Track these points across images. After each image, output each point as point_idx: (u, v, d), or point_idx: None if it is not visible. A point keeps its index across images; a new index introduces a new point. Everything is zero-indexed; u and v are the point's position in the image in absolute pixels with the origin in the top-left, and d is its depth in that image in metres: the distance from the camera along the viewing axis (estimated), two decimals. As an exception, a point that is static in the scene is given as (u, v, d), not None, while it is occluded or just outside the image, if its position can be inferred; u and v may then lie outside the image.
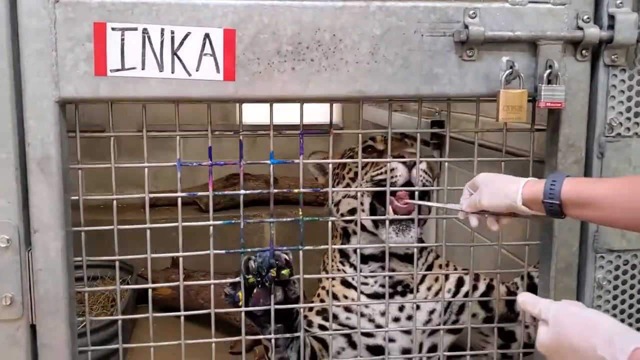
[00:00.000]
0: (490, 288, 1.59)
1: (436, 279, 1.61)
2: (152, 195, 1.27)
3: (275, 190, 1.29)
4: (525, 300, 1.04)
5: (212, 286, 1.31)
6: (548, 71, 1.23)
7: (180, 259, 1.31)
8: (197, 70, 1.15)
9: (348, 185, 1.62)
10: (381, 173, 1.50)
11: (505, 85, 1.24)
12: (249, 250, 1.32)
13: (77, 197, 1.20)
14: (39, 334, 1.18)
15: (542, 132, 1.36)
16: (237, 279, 1.30)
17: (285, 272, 1.29)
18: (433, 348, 1.56)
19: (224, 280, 1.31)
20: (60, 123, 1.14)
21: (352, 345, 1.53)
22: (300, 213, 1.33)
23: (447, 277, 1.58)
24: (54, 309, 1.18)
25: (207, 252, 1.29)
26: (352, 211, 1.60)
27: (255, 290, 1.30)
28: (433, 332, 1.56)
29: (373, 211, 1.55)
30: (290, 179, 5.55)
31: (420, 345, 1.55)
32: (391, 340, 1.49)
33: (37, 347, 1.19)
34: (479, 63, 1.25)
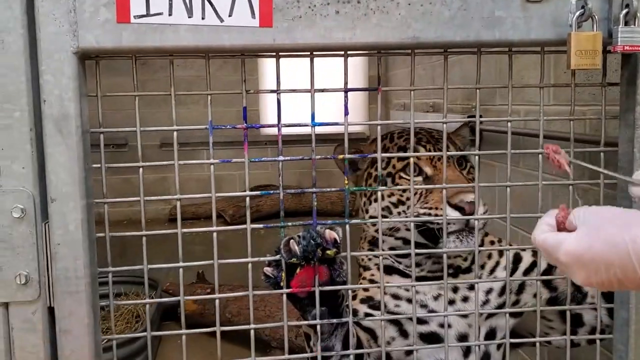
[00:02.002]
0: (553, 266, 1.42)
1: (489, 256, 1.45)
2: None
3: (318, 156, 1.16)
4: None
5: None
6: (625, 11, 1.09)
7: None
8: (229, 16, 1.02)
9: (387, 207, 1.46)
10: (429, 214, 1.35)
11: (577, 29, 1.10)
12: (290, 224, 1.18)
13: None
14: (57, 319, 1.05)
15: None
16: (277, 257, 1.16)
17: (330, 252, 1.15)
18: (491, 333, 1.40)
19: (262, 258, 1.17)
20: (79, 78, 1.02)
21: (404, 334, 1.37)
22: (346, 182, 1.19)
23: (501, 253, 1.42)
24: (74, 290, 1.04)
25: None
26: (393, 229, 1.46)
27: (298, 270, 1.16)
28: (490, 315, 1.40)
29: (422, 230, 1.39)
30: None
31: (478, 331, 1.39)
32: (447, 326, 1.33)
33: (55, 334, 1.06)
34: (546, 5, 1.10)
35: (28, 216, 1.02)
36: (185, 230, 1.14)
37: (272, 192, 1.18)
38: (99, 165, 1.09)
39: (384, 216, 1.44)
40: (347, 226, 1.19)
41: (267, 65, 4.81)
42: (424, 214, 1.35)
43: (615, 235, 0.78)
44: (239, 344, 2.58)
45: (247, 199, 1.15)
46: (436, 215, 1.33)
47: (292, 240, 1.13)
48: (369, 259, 1.50)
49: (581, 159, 1.82)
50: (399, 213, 1.42)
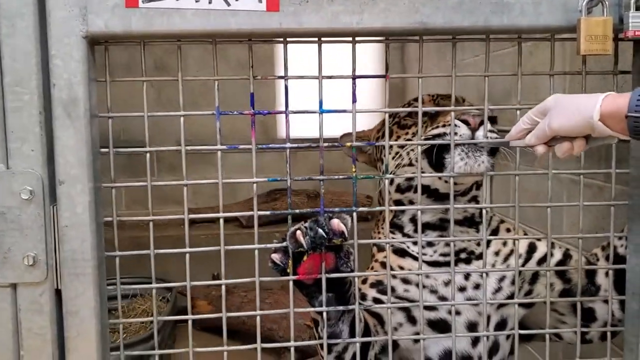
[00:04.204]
0: (567, 257, 1.40)
1: (504, 243, 1.43)
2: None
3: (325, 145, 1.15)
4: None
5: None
6: (636, -4, 1.08)
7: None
8: (236, 0, 1.03)
9: (398, 153, 1.45)
10: (437, 127, 1.33)
11: (587, 14, 1.09)
12: (297, 212, 1.18)
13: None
14: (64, 300, 1.06)
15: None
16: (284, 244, 1.15)
17: (336, 241, 1.14)
18: (502, 323, 1.38)
19: (269, 245, 1.17)
20: (88, 62, 1.03)
21: (412, 320, 1.35)
22: (354, 170, 1.18)
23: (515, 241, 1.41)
24: (81, 272, 1.05)
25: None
26: (410, 179, 1.43)
27: (305, 258, 1.15)
28: (502, 304, 1.38)
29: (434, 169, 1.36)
30: (333, 194, 5.41)
31: (488, 320, 1.37)
32: (456, 313, 1.32)
33: (62, 315, 1.06)
34: (555, -9, 1.10)
35: (36, 198, 1.03)
36: (192, 216, 1.15)
37: (279, 178, 1.19)
38: (107, 149, 1.10)
39: (398, 166, 1.44)
40: (355, 214, 1.18)
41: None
42: (433, 129, 1.34)
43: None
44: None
45: (254, 185, 1.15)
46: (444, 132, 1.30)
47: (298, 232, 1.12)
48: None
49: (595, 153, 1.81)
50: (409, 152, 1.39)
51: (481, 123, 1.26)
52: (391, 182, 1.47)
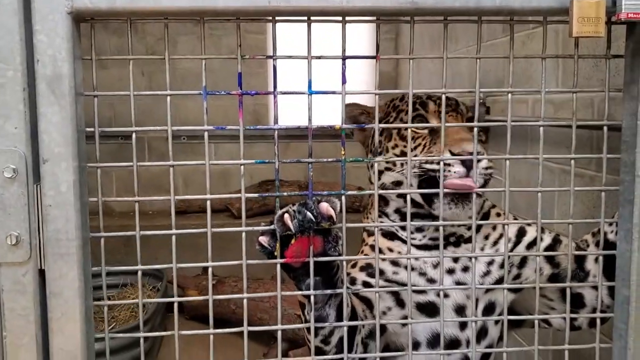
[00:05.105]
0: (556, 242, 1.40)
1: (494, 227, 1.43)
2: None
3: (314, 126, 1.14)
4: None
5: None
6: (629, -22, 1.07)
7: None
8: (225, -23, 1.01)
9: (392, 136, 1.45)
10: (433, 163, 1.33)
11: (579, -4, 1.08)
12: (285, 194, 1.17)
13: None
14: (47, 281, 1.04)
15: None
16: (272, 227, 1.14)
17: (325, 224, 1.13)
18: (490, 307, 1.38)
19: (257, 228, 1.15)
20: (73, 39, 1.01)
21: (400, 303, 1.35)
22: (343, 153, 1.17)
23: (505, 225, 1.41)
24: (65, 252, 1.03)
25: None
26: (397, 183, 1.44)
27: (292, 241, 1.14)
28: (490, 288, 1.38)
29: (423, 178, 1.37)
30: (324, 184, 5.41)
31: (476, 303, 1.37)
32: (444, 295, 1.32)
33: (45, 296, 1.05)
34: (548, -29, 1.09)
35: (20, 176, 1.01)
36: (178, 197, 1.13)
37: (267, 161, 1.17)
38: (92, 129, 1.08)
39: (388, 169, 1.44)
40: (343, 197, 1.17)
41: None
42: (427, 162, 1.33)
43: None
44: (242, 336, 2.61)
45: (242, 167, 1.13)
46: (437, 163, 1.30)
47: (286, 215, 1.12)
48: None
49: (587, 144, 1.80)
50: (403, 165, 1.39)
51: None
52: (379, 177, 1.47)
